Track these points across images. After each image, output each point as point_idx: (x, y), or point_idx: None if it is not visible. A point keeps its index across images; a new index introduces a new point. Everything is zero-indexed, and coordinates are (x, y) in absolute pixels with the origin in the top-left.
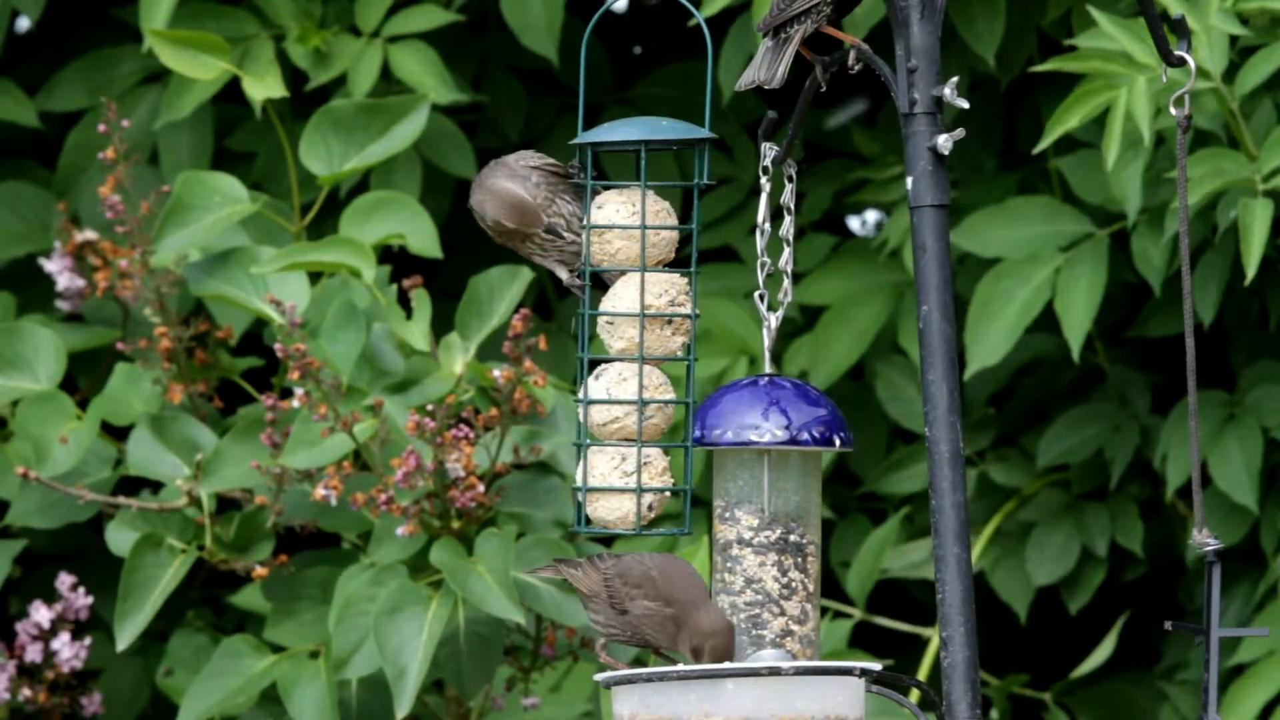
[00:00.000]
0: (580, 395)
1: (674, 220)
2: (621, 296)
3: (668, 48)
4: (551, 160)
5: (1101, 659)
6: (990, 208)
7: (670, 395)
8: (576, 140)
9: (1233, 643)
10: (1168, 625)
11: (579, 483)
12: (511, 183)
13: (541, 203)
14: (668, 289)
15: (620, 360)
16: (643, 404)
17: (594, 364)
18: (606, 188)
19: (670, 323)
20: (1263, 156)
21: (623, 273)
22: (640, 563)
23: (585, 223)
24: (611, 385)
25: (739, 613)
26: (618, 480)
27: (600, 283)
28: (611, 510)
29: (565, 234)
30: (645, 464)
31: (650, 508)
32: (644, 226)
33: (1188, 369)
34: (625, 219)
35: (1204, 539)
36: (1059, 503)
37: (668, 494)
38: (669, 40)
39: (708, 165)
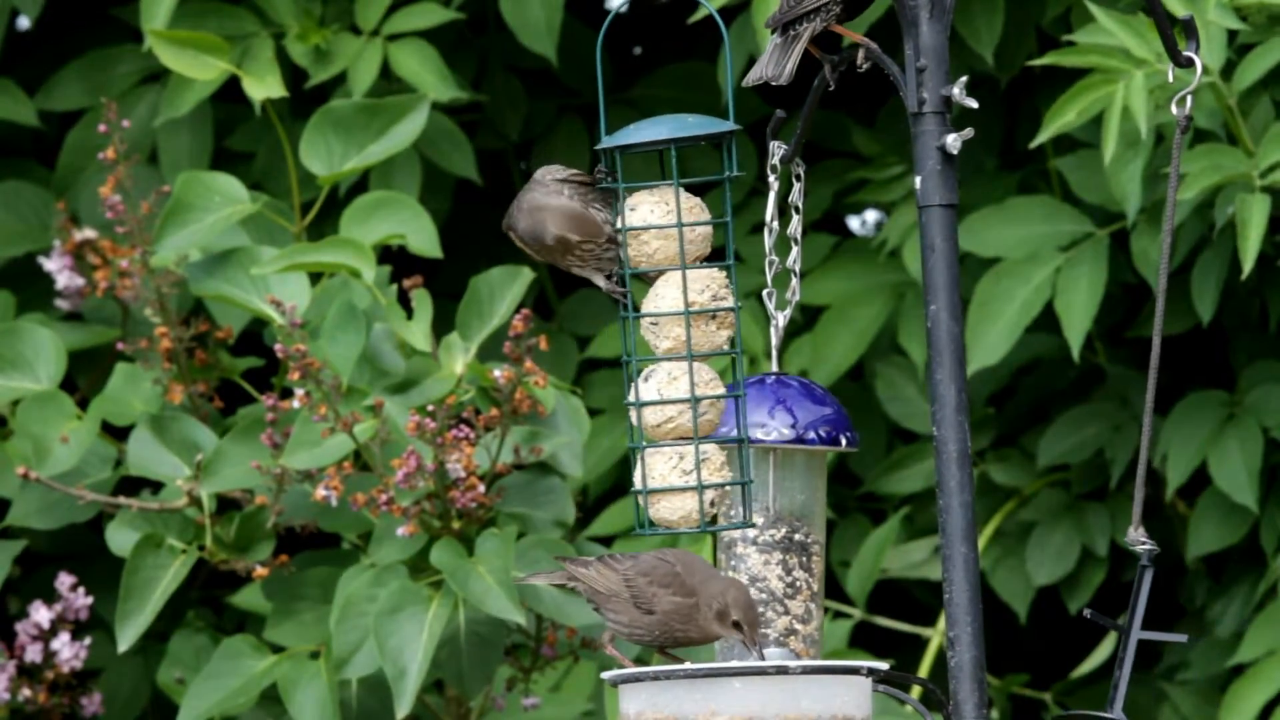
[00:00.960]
0: (631, 398)
1: (707, 215)
2: (664, 296)
3: (667, 48)
4: (576, 170)
5: (1101, 659)
6: (990, 208)
7: (721, 390)
8: (605, 144)
9: (1232, 643)
10: (1086, 613)
11: (639, 485)
12: (559, 198)
13: None
14: (709, 284)
15: (667, 360)
16: (695, 401)
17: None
18: (634, 190)
19: (714, 317)
20: (1260, 152)
21: (661, 273)
22: (663, 561)
23: (621, 226)
24: (662, 385)
25: None
26: (677, 480)
27: (623, 282)
28: (674, 510)
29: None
30: (703, 460)
31: (712, 504)
32: (680, 225)
33: (1150, 367)
34: (661, 218)
35: (1137, 537)
36: (1059, 503)
37: (727, 489)
38: (669, 40)
39: (735, 159)
